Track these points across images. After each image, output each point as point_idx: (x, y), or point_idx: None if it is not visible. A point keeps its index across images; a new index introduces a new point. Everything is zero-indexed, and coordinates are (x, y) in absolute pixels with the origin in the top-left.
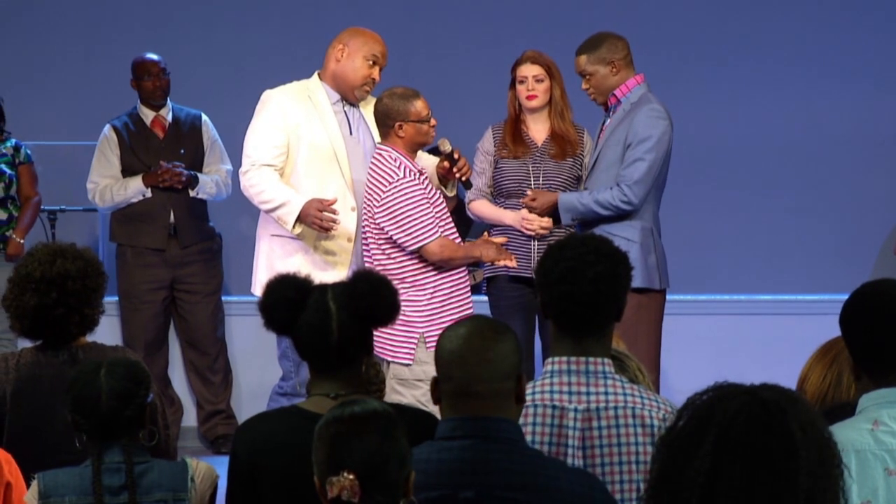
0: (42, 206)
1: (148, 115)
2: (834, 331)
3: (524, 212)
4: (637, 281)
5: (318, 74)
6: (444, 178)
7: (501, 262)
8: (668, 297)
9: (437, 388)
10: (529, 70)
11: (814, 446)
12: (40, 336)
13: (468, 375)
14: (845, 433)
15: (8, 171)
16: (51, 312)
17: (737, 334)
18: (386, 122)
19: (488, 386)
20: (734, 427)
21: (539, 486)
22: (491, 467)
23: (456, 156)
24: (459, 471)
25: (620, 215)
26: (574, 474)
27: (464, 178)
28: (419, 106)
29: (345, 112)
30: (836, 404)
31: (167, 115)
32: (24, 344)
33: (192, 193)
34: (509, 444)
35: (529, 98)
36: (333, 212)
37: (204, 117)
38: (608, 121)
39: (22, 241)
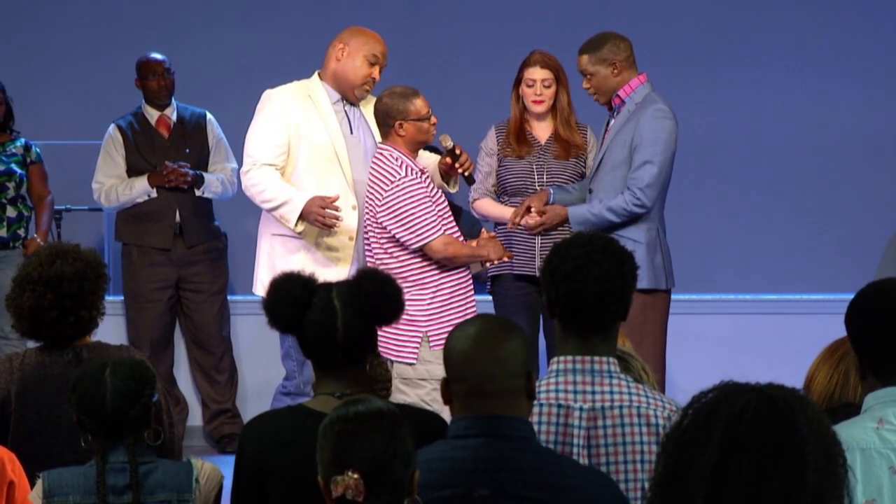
0: None
1: (153, 114)
2: (840, 330)
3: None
4: (644, 282)
5: (319, 74)
6: (447, 174)
7: (506, 259)
8: (674, 296)
9: (448, 389)
10: (539, 74)
11: (820, 443)
12: (39, 337)
13: (480, 376)
14: (850, 431)
15: (18, 170)
16: (46, 314)
17: (742, 334)
18: (386, 121)
19: (500, 385)
20: (742, 422)
21: (553, 484)
22: (505, 465)
23: (458, 151)
24: (473, 469)
25: (633, 218)
26: (587, 472)
27: (466, 174)
28: (419, 104)
29: (345, 111)
30: (840, 403)
31: (172, 114)
32: (32, 344)
33: (197, 193)
34: (523, 442)
35: (536, 103)
36: (336, 209)
37: (209, 116)
38: (612, 121)
39: (43, 242)
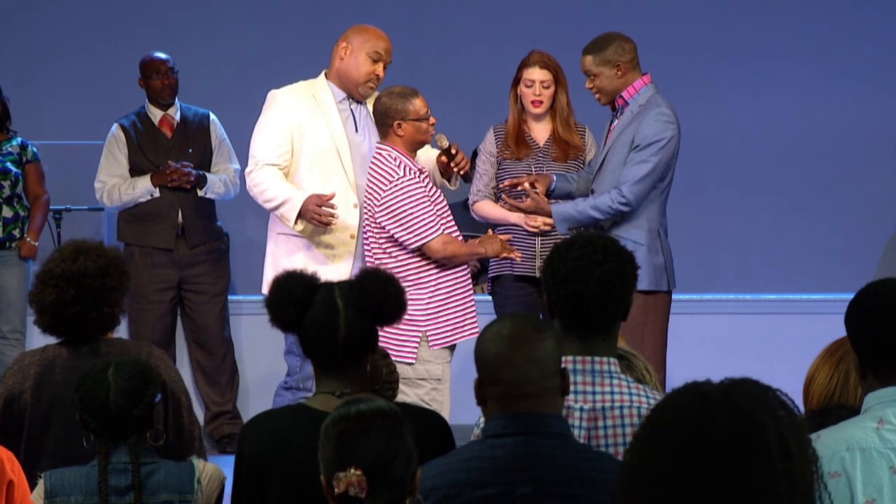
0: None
1: (156, 114)
2: (840, 330)
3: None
4: (644, 283)
5: (325, 73)
6: (445, 171)
7: (504, 256)
8: (674, 296)
9: (482, 390)
10: (538, 74)
11: (781, 434)
12: (61, 333)
13: (517, 378)
14: (850, 432)
15: (14, 169)
16: (68, 310)
17: (742, 334)
18: (385, 120)
19: (537, 386)
20: (705, 421)
21: (592, 479)
22: (546, 462)
23: (454, 151)
24: (515, 467)
25: (618, 217)
26: None
27: (462, 173)
28: (418, 104)
29: (351, 110)
30: (834, 405)
31: (175, 114)
32: (32, 344)
33: (200, 193)
34: (560, 438)
35: (535, 104)
36: (332, 206)
37: (212, 116)
38: (615, 122)
39: (36, 243)
